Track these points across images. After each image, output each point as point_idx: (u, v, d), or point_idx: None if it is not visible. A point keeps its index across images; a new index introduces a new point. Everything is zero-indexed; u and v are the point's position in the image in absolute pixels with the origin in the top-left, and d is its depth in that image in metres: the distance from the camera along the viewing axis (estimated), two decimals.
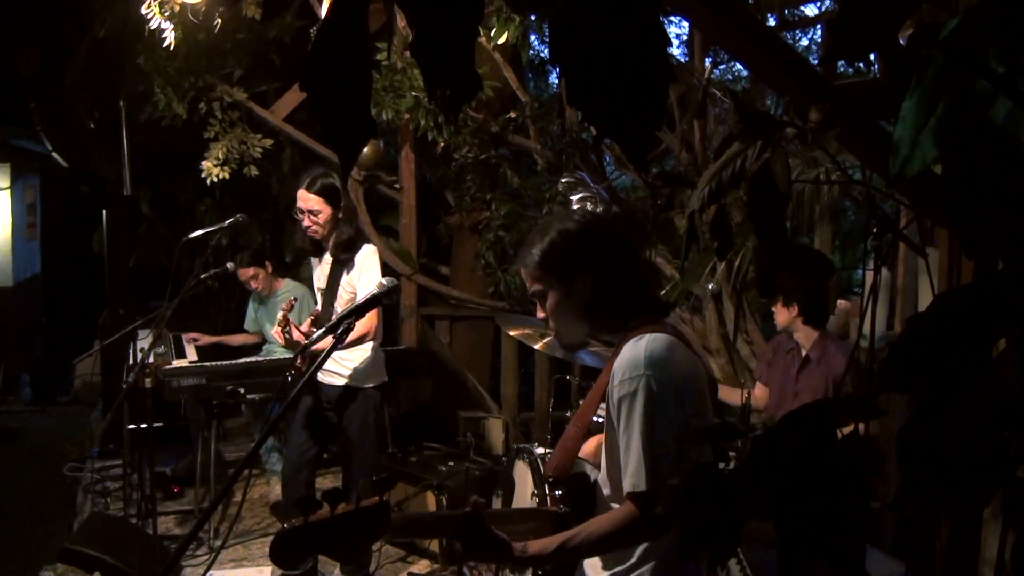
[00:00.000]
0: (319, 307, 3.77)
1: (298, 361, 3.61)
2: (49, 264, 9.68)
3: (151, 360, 4.04)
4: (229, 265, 4.26)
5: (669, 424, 1.55)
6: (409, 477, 4.24)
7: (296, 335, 3.46)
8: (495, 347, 5.88)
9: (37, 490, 5.53)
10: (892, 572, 2.62)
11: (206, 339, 5.52)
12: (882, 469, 3.11)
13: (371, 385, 3.66)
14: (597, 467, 1.81)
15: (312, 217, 3.49)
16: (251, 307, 5.52)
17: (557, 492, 1.79)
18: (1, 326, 8.29)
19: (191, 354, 5.14)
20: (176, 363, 4.70)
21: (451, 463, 4.26)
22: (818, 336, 3.28)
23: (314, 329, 3.48)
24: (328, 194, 3.48)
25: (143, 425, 4.10)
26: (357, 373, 3.61)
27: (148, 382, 3.95)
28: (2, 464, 6.14)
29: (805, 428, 0.87)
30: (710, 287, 4.32)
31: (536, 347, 3.54)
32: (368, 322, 3.44)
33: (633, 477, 1.55)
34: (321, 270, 3.73)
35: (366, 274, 3.54)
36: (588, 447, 1.86)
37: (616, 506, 1.65)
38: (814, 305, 3.26)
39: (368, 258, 3.58)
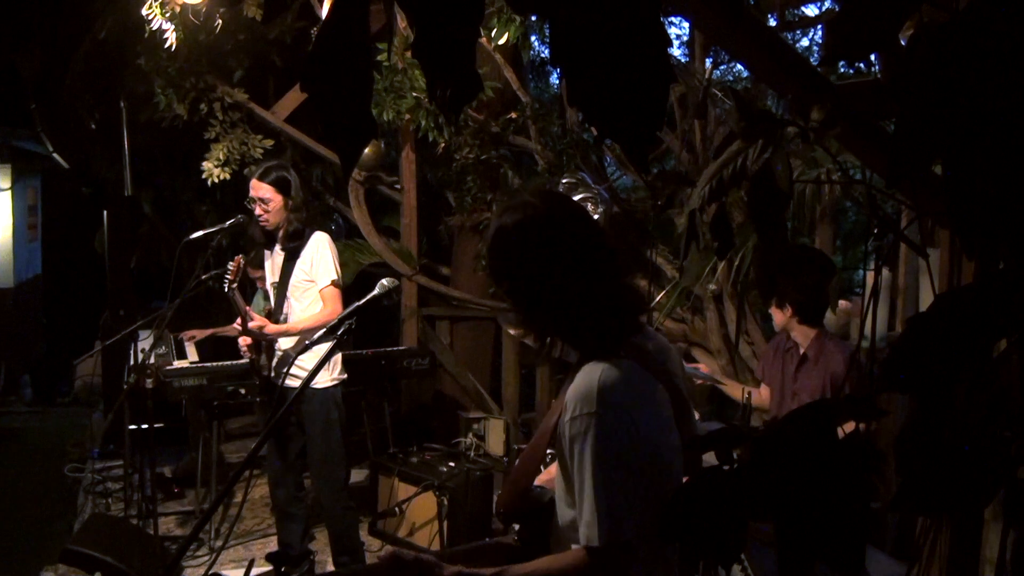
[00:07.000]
0: (272, 302, 3.75)
1: (251, 354, 3.67)
2: (50, 265, 9.69)
3: (152, 361, 4.05)
4: (230, 265, 4.26)
5: (622, 465, 1.47)
6: (410, 478, 4.24)
7: (254, 323, 3.53)
8: (496, 348, 5.87)
9: (38, 491, 5.53)
10: (893, 573, 2.62)
11: (201, 333, 5.50)
12: (882, 469, 3.10)
13: (327, 384, 3.61)
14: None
15: (263, 205, 3.55)
16: (258, 301, 5.51)
17: (515, 526, 1.75)
18: (2, 327, 8.30)
19: (192, 354, 5.14)
20: (177, 363, 4.71)
21: (452, 464, 4.26)
22: (815, 335, 3.28)
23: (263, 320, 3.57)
24: (279, 185, 3.55)
25: (144, 426, 4.11)
26: (311, 371, 3.62)
27: (149, 383, 3.96)
28: (3, 465, 6.15)
29: (805, 428, 0.87)
30: (711, 287, 4.32)
31: None
32: (332, 310, 3.49)
33: (587, 529, 1.47)
34: (273, 263, 3.74)
35: (321, 260, 3.57)
36: (544, 476, 1.79)
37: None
38: (808, 304, 3.26)
39: (321, 244, 3.60)
